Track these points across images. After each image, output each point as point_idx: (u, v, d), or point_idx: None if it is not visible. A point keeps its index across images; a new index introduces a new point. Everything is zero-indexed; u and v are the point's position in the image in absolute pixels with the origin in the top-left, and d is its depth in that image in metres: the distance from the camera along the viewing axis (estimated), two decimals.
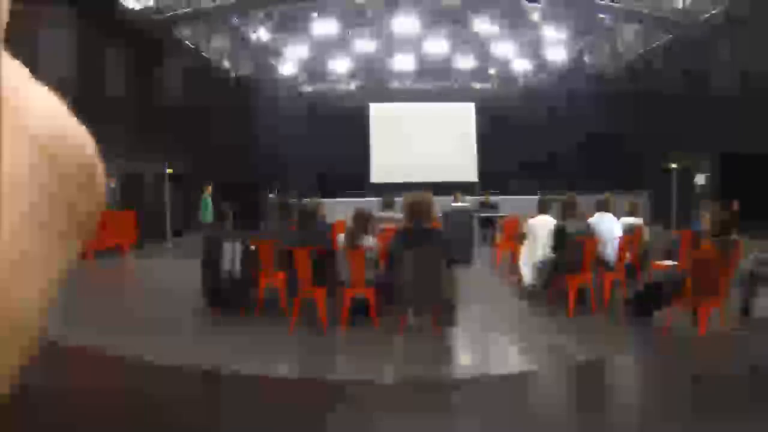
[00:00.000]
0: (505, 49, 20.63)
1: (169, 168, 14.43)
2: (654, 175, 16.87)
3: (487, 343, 5.53)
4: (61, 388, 3.81)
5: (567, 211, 6.37)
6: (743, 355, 4.69)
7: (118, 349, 4.82)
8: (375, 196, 12.29)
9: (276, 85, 21.53)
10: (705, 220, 5.38)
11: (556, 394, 4.33)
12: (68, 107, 0.26)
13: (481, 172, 21.82)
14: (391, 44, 20.58)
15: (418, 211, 5.36)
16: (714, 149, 14.37)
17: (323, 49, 20.51)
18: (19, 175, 0.23)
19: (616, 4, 16.46)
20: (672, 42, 16.64)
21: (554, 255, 6.20)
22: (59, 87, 0.27)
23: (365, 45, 20.28)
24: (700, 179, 15.18)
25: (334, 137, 20.94)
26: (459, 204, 12.61)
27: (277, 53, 21.00)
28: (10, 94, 0.24)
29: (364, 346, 5.16)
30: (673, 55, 16.73)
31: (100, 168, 0.27)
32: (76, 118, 0.26)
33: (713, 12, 14.56)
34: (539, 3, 16.65)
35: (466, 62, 22.15)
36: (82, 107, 0.32)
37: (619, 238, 6.43)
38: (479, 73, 23.21)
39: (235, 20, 18.42)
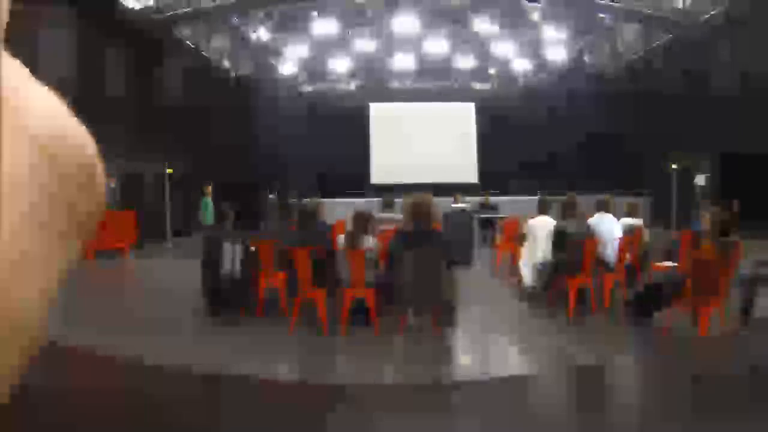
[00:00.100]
0: (505, 48, 20.64)
1: (169, 168, 14.43)
2: (654, 175, 16.87)
3: (487, 343, 5.53)
4: (61, 388, 3.81)
5: (567, 212, 6.37)
6: (743, 355, 4.69)
7: (118, 350, 4.82)
8: (375, 197, 12.30)
9: (276, 84, 21.53)
10: (705, 220, 5.38)
11: (556, 395, 4.33)
12: (68, 107, 0.26)
13: (481, 173, 21.82)
14: (391, 44, 20.59)
15: (418, 213, 5.36)
16: (714, 149, 14.37)
17: (323, 48, 20.52)
18: (19, 175, 0.23)
19: (616, 4, 16.47)
20: (672, 42, 16.65)
21: (554, 256, 6.20)
22: (59, 87, 0.27)
23: (365, 45, 20.29)
24: (700, 180, 15.18)
25: (334, 137, 20.92)
26: (459, 205, 12.61)
27: (277, 53, 21.01)
28: (10, 94, 0.24)
29: (364, 347, 5.16)
30: (673, 55, 16.74)
31: (100, 168, 0.27)
32: (76, 118, 0.26)
33: (713, 13, 14.57)
34: (539, 2, 16.65)
35: (466, 62, 22.16)
36: (82, 107, 0.32)
37: (619, 239, 6.42)
38: (479, 73, 23.21)
39: (235, 20, 18.43)
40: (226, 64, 19.52)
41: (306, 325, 5.51)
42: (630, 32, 18.93)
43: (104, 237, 10.18)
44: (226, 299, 6.33)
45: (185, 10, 15.20)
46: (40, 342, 0.24)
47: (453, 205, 12.27)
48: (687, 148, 15.17)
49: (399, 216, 6.90)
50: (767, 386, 4.01)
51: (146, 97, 14.65)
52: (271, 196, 17.26)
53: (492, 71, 23.33)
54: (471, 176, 21.59)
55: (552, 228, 6.29)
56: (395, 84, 23.66)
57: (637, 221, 7.22)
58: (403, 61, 21.76)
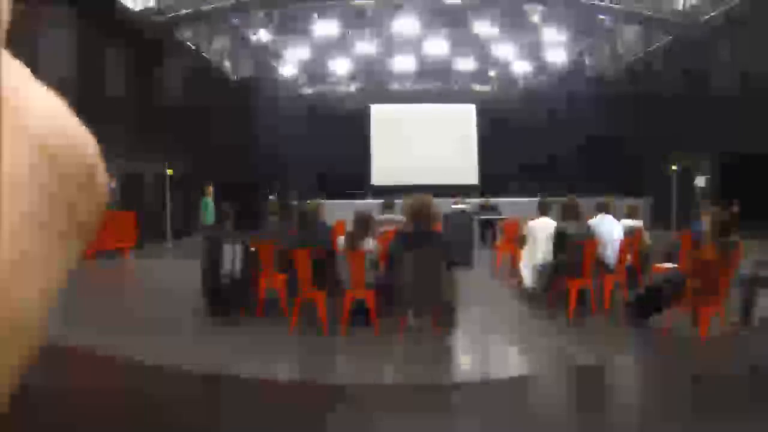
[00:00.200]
0: (505, 50, 20.65)
1: (169, 169, 14.43)
2: (654, 177, 16.87)
3: (487, 344, 5.53)
4: (61, 388, 3.80)
5: (567, 214, 6.36)
6: (743, 355, 4.69)
7: (119, 350, 4.81)
8: (375, 198, 12.29)
9: (276, 86, 21.54)
10: (706, 220, 5.38)
11: (556, 395, 4.33)
12: (68, 107, 0.26)
13: (482, 174, 21.82)
14: (391, 46, 20.60)
15: (418, 214, 5.36)
16: (714, 149, 14.38)
17: (323, 50, 20.52)
18: (19, 175, 0.23)
19: (616, 6, 16.48)
20: (672, 43, 16.66)
21: (554, 258, 6.20)
22: (59, 87, 0.27)
23: (365, 46, 20.29)
24: (700, 181, 15.17)
25: (334, 138, 20.92)
26: (459, 206, 12.60)
27: (278, 54, 21.03)
28: (10, 94, 0.24)
29: (364, 347, 5.16)
30: (673, 56, 16.75)
31: (101, 168, 0.27)
32: (76, 118, 0.26)
33: (713, 14, 14.58)
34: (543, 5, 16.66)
35: (466, 64, 22.17)
36: (82, 107, 0.32)
37: (620, 240, 6.41)
38: (479, 75, 23.23)
39: (235, 21, 18.44)
40: (227, 65, 19.54)
41: (306, 325, 5.51)
42: (630, 34, 18.95)
43: (104, 237, 10.18)
44: (226, 299, 6.33)
45: (186, 11, 15.21)
46: (40, 342, 0.24)
47: (453, 207, 12.27)
48: (687, 149, 15.17)
49: (399, 217, 6.90)
50: (767, 386, 4.01)
51: (146, 98, 14.66)
52: (271, 197, 17.26)
53: (492, 73, 23.35)
54: (471, 178, 21.60)
55: (552, 230, 6.29)
56: (395, 86, 23.67)
57: (637, 223, 7.21)
58: (403, 63, 21.77)
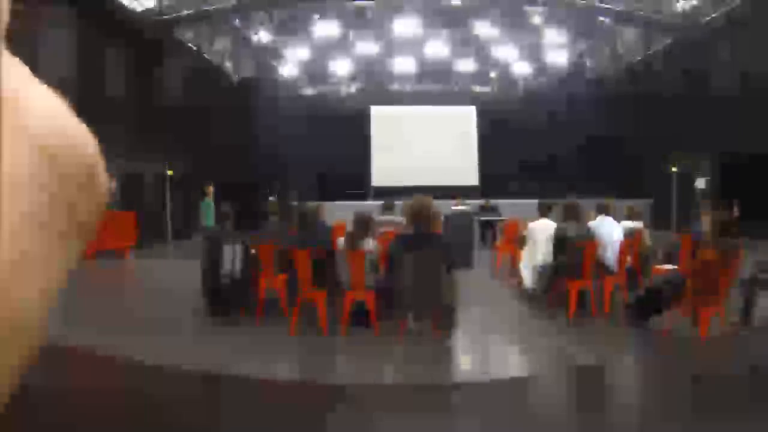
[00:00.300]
0: (505, 52, 20.66)
1: (169, 169, 14.43)
2: (654, 178, 16.87)
3: (487, 344, 5.53)
4: (61, 388, 3.80)
5: (567, 215, 6.35)
6: (743, 356, 4.68)
7: (118, 350, 4.81)
8: (376, 199, 12.29)
9: (276, 86, 21.54)
10: (706, 221, 5.38)
11: (556, 395, 4.33)
12: (68, 107, 0.26)
13: (482, 175, 21.82)
14: (391, 47, 20.61)
15: (419, 215, 5.35)
16: (714, 150, 14.37)
17: (324, 51, 20.53)
18: (19, 175, 0.23)
19: (616, 8, 16.48)
20: (672, 44, 16.66)
21: (554, 259, 6.19)
22: (59, 87, 0.27)
23: (366, 47, 20.30)
24: (700, 183, 15.16)
25: (335, 139, 20.92)
26: (459, 207, 12.60)
27: (278, 55, 21.03)
28: (10, 94, 0.24)
29: (364, 347, 5.15)
30: (673, 57, 16.75)
31: (101, 168, 0.27)
32: (76, 118, 0.26)
33: (714, 15, 14.58)
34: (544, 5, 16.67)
35: (466, 65, 22.18)
36: (82, 107, 0.32)
37: (620, 242, 6.41)
38: (480, 76, 23.23)
39: (236, 22, 18.45)
40: (227, 65, 19.54)
41: (306, 325, 5.50)
42: (630, 35, 18.95)
43: (104, 237, 10.18)
44: (226, 299, 6.33)
45: (187, 11, 15.22)
46: (40, 342, 0.24)
47: (453, 208, 12.27)
48: (687, 149, 15.17)
49: (399, 219, 6.89)
50: (767, 386, 4.01)
51: (146, 98, 14.66)
52: (271, 197, 17.25)
53: (492, 74, 23.36)
54: (471, 179, 21.59)
55: (552, 231, 6.28)
56: (396, 87, 23.67)
57: (637, 224, 7.21)
58: (403, 64, 21.78)
